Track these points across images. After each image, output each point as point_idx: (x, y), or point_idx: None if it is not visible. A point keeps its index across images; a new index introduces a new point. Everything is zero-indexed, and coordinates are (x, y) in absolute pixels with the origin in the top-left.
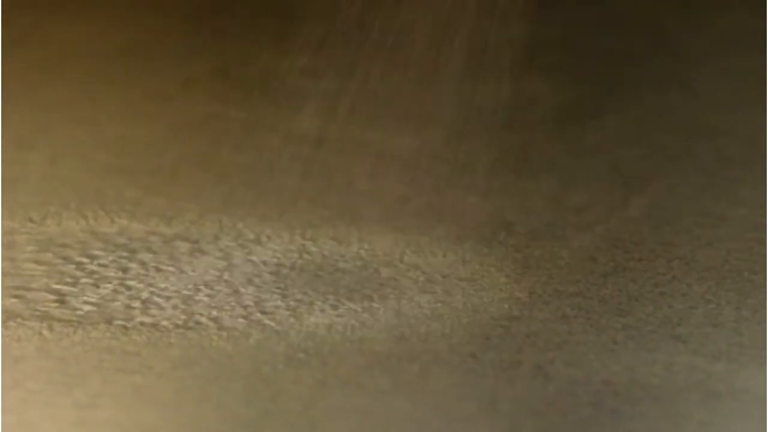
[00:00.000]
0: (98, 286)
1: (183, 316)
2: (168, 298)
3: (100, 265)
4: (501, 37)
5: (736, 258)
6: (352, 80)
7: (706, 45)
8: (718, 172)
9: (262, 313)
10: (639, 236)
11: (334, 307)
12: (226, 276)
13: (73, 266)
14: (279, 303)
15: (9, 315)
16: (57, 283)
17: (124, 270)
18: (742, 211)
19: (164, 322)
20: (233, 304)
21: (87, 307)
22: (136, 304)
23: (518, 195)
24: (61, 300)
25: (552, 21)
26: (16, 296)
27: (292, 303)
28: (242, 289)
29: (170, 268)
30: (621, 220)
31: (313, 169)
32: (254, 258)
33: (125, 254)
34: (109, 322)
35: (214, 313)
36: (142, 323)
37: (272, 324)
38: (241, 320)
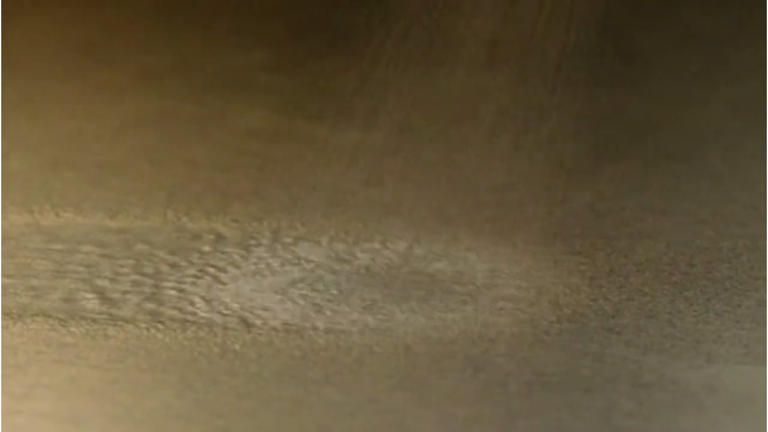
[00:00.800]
0: (39, 279)
1: (122, 309)
2: (108, 291)
3: (41, 258)
4: (453, 33)
5: (675, 251)
6: (302, 76)
7: (654, 42)
8: (661, 166)
9: (200, 306)
10: (579, 230)
11: (272, 300)
12: (166, 269)
13: (16, 259)
14: (218, 296)
15: None
16: None
17: (66, 263)
18: (684, 204)
19: (102, 315)
20: (172, 297)
21: (27, 300)
22: (76, 297)
23: (461, 189)
24: (2, 293)
25: (503, 17)
26: None
27: (229, 296)
28: (182, 283)
29: (112, 262)
30: (562, 215)
31: (259, 164)
32: (196, 251)
33: (68, 248)
34: (47, 314)
35: (153, 305)
36: (81, 316)
37: (210, 316)
38: (178, 313)
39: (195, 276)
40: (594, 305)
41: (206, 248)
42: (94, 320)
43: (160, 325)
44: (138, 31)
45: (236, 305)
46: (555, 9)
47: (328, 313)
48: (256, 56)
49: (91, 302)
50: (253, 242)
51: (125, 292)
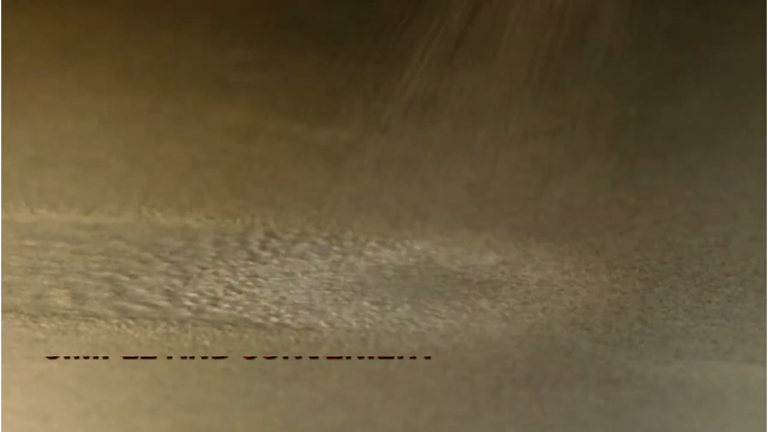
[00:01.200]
0: (11, 275)
1: (93, 305)
2: (79, 287)
3: (14, 254)
4: (430, 32)
5: (647, 248)
6: (279, 74)
7: (631, 39)
8: (636, 163)
9: (171, 302)
10: (552, 226)
11: (243, 296)
12: (138, 265)
13: None
14: (188, 292)
15: None
16: None
17: (38, 259)
18: (658, 201)
19: (74, 311)
20: (143, 293)
21: None
22: (48, 293)
23: (435, 186)
24: None
25: (477, 15)
26: None
27: (200, 292)
28: (154, 279)
29: (85, 258)
30: (535, 211)
31: (235, 161)
32: (168, 247)
33: (41, 244)
34: (19, 310)
35: (124, 302)
36: (53, 312)
37: (180, 312)
38: (149, 309)
39: (166, 272)
40: (564, 301)
41: (179, 244)
42: (65, 316)
43: (130, 321)
44: (117, 29)
45: (207, 301)
46: (532, 7)
47: (300, 309)
48: (233, 54)
49: (62, 298)
50: (226, 238)
51: (97, 288)
